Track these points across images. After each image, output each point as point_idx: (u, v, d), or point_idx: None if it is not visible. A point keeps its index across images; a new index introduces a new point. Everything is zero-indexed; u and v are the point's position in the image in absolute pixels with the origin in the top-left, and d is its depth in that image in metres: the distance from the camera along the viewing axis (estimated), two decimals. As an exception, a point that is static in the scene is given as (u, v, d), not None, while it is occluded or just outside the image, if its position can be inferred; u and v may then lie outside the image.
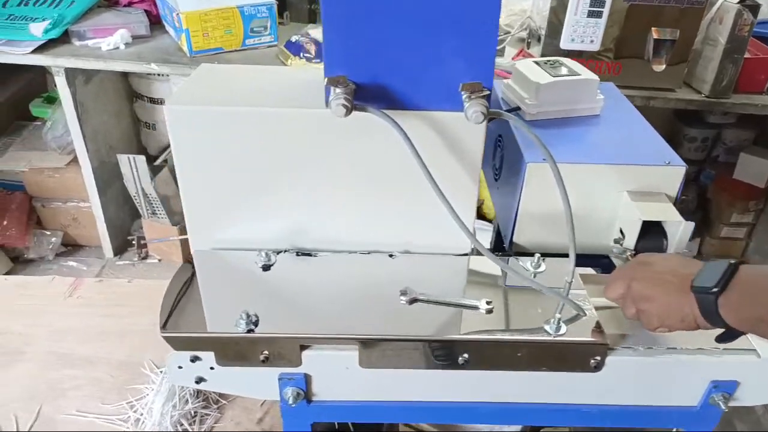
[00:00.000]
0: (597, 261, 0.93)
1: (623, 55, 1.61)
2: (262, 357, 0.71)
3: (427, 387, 0.77)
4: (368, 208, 0.82)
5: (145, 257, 2.09)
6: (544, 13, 1.59)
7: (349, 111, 0.66)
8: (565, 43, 1.57)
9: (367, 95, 0.71)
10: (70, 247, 2.17)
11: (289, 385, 0.74)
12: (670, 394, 0.78)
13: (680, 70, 1.62)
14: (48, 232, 2.11)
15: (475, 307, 0.76)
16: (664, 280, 0.64)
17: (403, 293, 0.76)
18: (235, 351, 0.71)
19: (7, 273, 2.02)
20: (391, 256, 0.84)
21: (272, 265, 0.81)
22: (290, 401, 0.74)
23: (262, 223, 0.83)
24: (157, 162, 2.06)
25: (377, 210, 0.82)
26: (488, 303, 0.76)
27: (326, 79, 0.68)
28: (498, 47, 1.53)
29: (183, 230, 0.80)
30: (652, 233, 0.82)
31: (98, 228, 2.06)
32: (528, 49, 1.77)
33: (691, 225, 0.80)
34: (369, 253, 0.85)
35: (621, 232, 0.86)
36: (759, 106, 1.66)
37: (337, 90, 0.67)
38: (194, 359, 0.71)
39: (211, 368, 0.72)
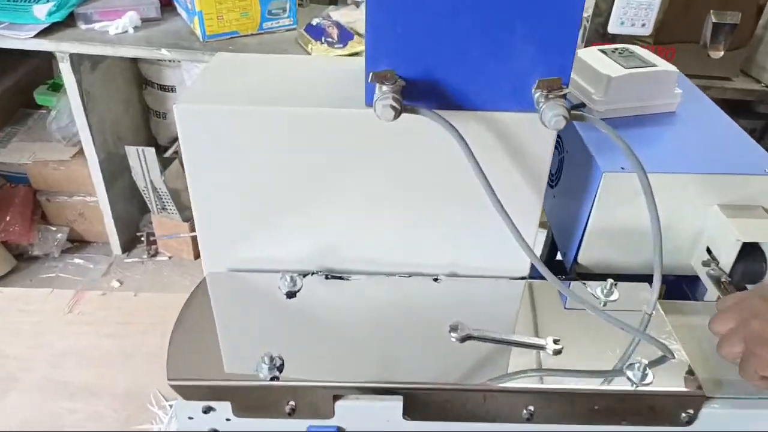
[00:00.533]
0: (675, 284, 0.81)
1: (675, 40, 1.46)
2: (288, 408, 0.59)
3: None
4: (410, 223, 0.69)
5: (155, 254, 1.99)
6: (590, -8, 1.44)
7: (398, 113, 0.54)
8: (613, 27, 1.42)
9: (417, 93, 0.58)
10: (77, 243, 2.07)
11: (320, 439, 0.62)
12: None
13: (738, 57, 1.47)
14: (53, 228, 2.01)
15: (541, 347, 0.63)
16: None
17: (454, 329, 0.64)
18: (256, 401, 0.59)
19: (11, 271, 1.93)
20: (435, 279, 0.72)
21: (298, 291, 0.69)
22: (320, 458, 0.63)
23: (285, 240, 0.71)
24: (167, 154, 1.94)
25: (420, 226, 0.69)
26: (556, 342, 0.63)
27: (370, 74, 0.55)
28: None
29: (194, 226, 0.68)
30: (749, 255, 0.69)
31: (105, 224, 1.95)
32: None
33: (799, 247, 0.67)
34: (410, 276, 0.72)
35: (708, 251, 0.73)
36: (826, 98, 1.50)
37: (384, 87, 0.55)
38: (207, 410, 0.60)
39: (228, 420, 0.61)
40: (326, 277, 0.72)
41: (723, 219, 0.70)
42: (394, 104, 0.53)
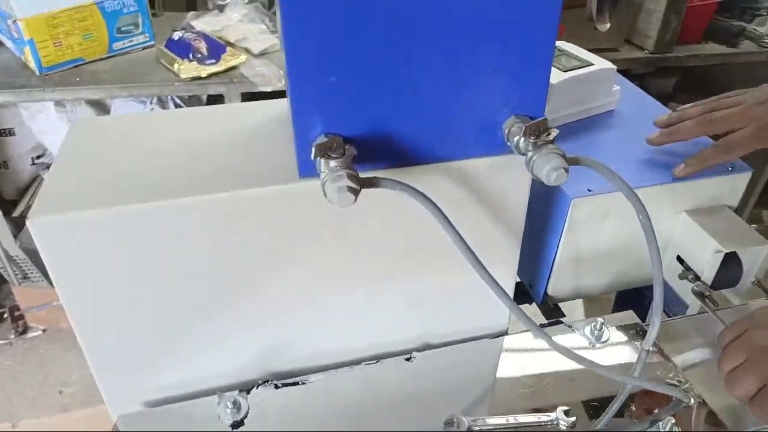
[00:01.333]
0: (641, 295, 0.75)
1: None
2: None
3: None
4: (370, 299, 0.56)
5: (25, 331, 1.67)
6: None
7: (358, 194, 0.40)
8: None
9: (367, 154, 0.45)
10: None
11: None
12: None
13: (623, 27, 1.47)
14: None
15: (555, 425, 0.54)
16: None
17: (449, 424, 0.53)
18: None
19: None
20: (408, 359, 0.60)
21: (245, 417, 0.54)
22: None
23: (214, 352, 0.55)
24: (17, 213, 1.63)
25: (382, 300, 0.57)
26: (567, 413, 0.54)
27: (312, 148, 0.41)
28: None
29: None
30: (726, 263, 0.64)
31: (-46, 306, 1.61)
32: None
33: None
34: (377, 362, 0.59)
35: (680, 260, 0.67)
36: (702, 56, 1.55)
37: (332, 163, 0.41)
38: None
39: None
40: (276, 387, 0.57)
41: (696, 228, 0.64)
42: (352, 185, 0.40)
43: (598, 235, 0.65)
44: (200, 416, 0.54)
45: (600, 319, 0.63)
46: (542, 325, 0.65)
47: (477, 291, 0.56)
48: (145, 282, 0.48)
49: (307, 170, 0.46)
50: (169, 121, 0.57)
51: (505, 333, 0.63)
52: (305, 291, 0.53)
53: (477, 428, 0.52)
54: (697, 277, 0.65)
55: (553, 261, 0.66)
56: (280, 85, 1.34)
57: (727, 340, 0.55)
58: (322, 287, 0.53)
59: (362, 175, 0.41)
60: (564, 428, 0.53)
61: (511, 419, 0.54)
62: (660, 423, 0.52)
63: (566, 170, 0.42)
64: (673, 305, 0.74)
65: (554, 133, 0.43)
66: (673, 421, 0.52)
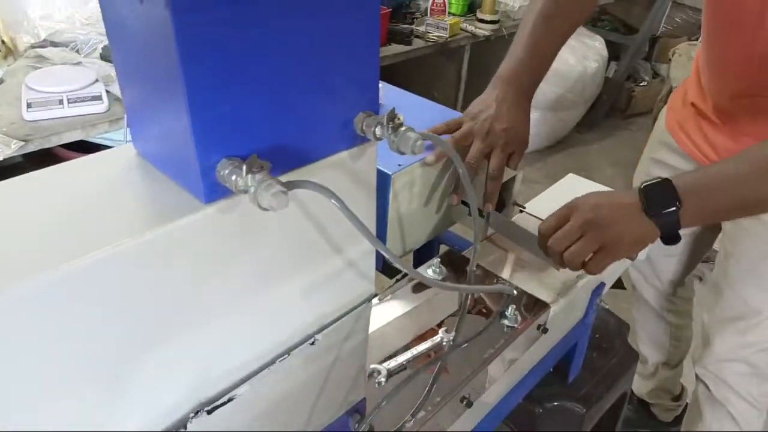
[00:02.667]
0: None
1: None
2: None
3: None
4: (275, 299, 0.62)
5: None
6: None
7: (287, 195, 0.47)
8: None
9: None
10: None
11: None
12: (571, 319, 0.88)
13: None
14: None
15: (442, 341, 0.68)
16: (622, 214, 0.69)
17: (373, 373, 0.63)
18: None
19: None
20: (312, 343, 0.67)
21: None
22: None
23: (135, 398, 0.54)
24: None
25: (284, 295, 0.63)
26: (446, 332, 0.69)
27: (244, 167, 0.46)
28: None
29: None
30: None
31: None
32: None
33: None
34: (289, 354, 0.65)
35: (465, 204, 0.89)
36: (391, 56, 1.88)
37: (258, 176, 0.47)
38: None
39: None
40: (209, 413, 0.59)
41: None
42: (282, 188, 0.47)
43: (410, 200, 0.82)
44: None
45: (436, 260, 0.79)
46: (396, 281, 0.79)
47: (343, 270, 0.67)
48: (51, 350, 0.46)
49: (213, 195, 0.50)
50: (16, 189, 0.53)
51: (375, 295, 0.75)
52: (222, 307, 0.57)
53: (394, 369, 0.64)
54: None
55: (385, 229, 0.80)
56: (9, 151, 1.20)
57: (551, 228, 0.73)
58: (236, 300, 0.58)
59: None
60: (448, 342, 0.68)
61: (413, 352, 0.67)
62: (506, 312, 0.71)
63: (424, 137, 0.56)
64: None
65: (402, 118, 0.57)
66: (514, 306, 0.72)
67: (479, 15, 2.23)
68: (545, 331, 0.76)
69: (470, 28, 2.21)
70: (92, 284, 0.46)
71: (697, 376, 1.17)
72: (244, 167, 0.46)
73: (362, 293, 0.73)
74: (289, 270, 0.62)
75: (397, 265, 0.60)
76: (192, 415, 0.58)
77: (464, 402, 0.65)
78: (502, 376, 0.72)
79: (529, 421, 0.94)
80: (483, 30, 2.20)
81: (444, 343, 0.68)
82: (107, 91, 1.42)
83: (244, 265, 0.56)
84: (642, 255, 0.88)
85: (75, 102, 1.36)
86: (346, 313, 0.72)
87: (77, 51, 1.62)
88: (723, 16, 0.92)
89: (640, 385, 1.47)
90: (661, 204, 0.68)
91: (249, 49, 0.47)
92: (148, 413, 0.55)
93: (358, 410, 0.64)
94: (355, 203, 0.63)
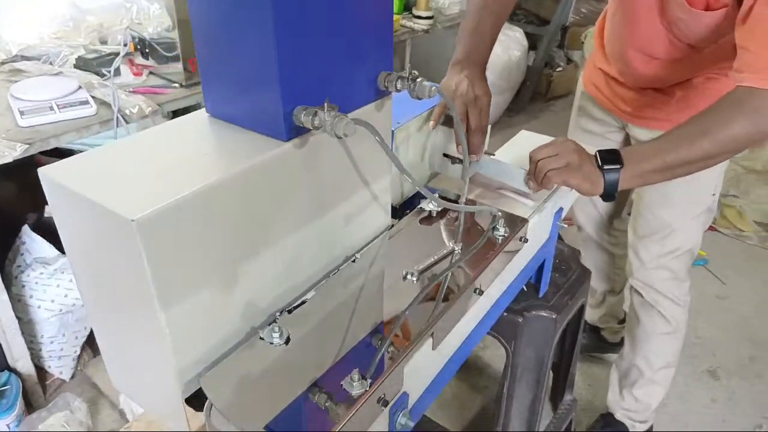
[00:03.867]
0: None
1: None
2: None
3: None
4: (321, 228, 0.79)
5: None
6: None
7: (354, 125, 0.65)
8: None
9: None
10: None
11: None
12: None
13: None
14: None
15: (451, 252, 0.87)
16: (588, 157, 0.93)
17: (407, 275, 0.81)
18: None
19: None
20: (354, 261, 0.85)
21: (289, 335, 0.71)
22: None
23: (241, 304, 0.70)
24: None
25: (329, 224, 0.80)
26: (457, 245, 0.88)
27: (323, 106, 0.64)
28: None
29: None
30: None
31: None
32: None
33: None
34: (338, 270, 0.83)
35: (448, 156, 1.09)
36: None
37: (333, 113, 0.64)
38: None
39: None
40: (289, 312, 0.75)
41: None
42: (351, 120, 0.65)
43: (407, 152, 1.01)
44: (256, 352, 0.69)
45: (436, 194, 0.98)
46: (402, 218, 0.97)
47: (375, 202, 0.86)
48: (202, 259, 0.62)
49: (290, 134, 0.68)
50: (143, 142, 0.68)
51: (391, 226, 0.93)
52: (294, 227, 0.73)
53: (422, 269, 0.82)
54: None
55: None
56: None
57: (541, 148, 0.95)
58: (303, 222, 0.75)
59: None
60: (457, 250, 0.87)
61: (433, 258, 0.85)
62: (496, 225, 0.91)
63: (437, 87, 0.75)
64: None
65: (418, 74, 0.76)
66: (502, 221, 0.92)
67: (415, 12, 2.46)
68: (526, 241, 0.97)
69: (409, 24, 2.43)
70: (219, 200, 0.62)
71: (632, 288, 1.43)
72: (325, 106, 0.64)
73: (382, 224, 0.92)
74: (335, 199, 0.79)
75: (422, 191, 0.79)
76: (278, 314, 0.74)
77: (476, 291, 0.85)
78: (502, 272, 0.92)
79: (513, 329, 1.15)
80: (420, 25, 2.42)
81: (455, 251, 0.87)
82: (92, 96, 1.53)
83: (307, 192, 0.74)
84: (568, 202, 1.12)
85: (65, 107, 1.46)
86: (373, 239, 0.90)
87: (50, 63, 1.70)
88: (624, 5, 1.18)
89: (591, 313, 1.73)
90: (608, 161, 0.91)
91: (315, 26, 0.65)
92: (248, 312, 0.71)
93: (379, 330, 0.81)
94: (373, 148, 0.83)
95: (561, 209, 1.11)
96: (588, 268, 1.31)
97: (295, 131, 0.68)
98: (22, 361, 1.52)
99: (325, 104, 0.65)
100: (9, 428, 1.45)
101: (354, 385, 0.65)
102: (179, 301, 0.61)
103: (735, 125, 0.87)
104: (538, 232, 1.04)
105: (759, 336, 1.97)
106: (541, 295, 1.19)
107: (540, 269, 1.15)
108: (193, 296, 0.62)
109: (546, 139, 1.23)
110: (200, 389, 0.67)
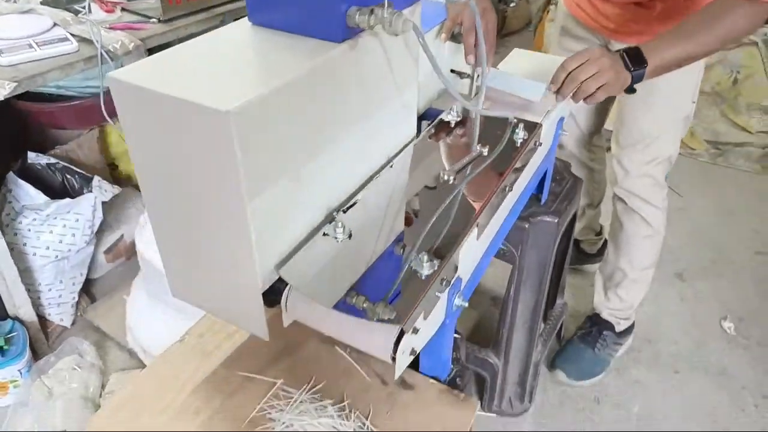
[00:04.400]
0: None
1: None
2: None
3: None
4: (366, 131, 0.83)
5: None
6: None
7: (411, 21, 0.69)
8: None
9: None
10: None
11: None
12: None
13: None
14: None
15: (478, 151, 0.93)
16: (617, 61, 1.01)
17: (444, 176, 0.87)
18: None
19: None
20: (391, 166, 0.89)
21: (351, 233, 0.76)
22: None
23: (307, 201, 0.74)
24: None
25: (371, 130, 0.84)
26: (484, 147, 0.94)
27: (381, 3, 0.67)
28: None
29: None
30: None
31: None
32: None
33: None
34: (379, 174, 0.87)
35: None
36: None
37: (390, 10, 0.67)
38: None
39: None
40: (344, 212, 0.79)
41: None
42: (407, 17, 0.68)
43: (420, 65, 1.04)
44: (322, 247, 0.74)
45: (453, 107, 1.03)
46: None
47: (405, 110, 0.90)
48: (282, 153, 0.65)
49: (344, 35, 0.70)
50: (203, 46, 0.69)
51: (416, 137, 0.98)
52: (348, 126, 0.77)
53: (457, 169, 0.88)
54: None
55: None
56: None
57: (575, 64, 1.02)
58: (353, 122, 0.78)
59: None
60: (484, 153, 0.93)
61: (463, 162, 0.91)
62: (516, 129, 0.97)
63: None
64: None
65: None
66: (522, 125, 0.98)
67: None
68: (540, 144, 1.03)
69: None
70: (296, 96, 0.65)
71: (615, 197, 1.53)
72: (385, 3, 0.67)
73: (411, 132, 0.96)
74: (376, 102, 0.83)
75: (455, 95, 0.83)
76: (335, 213, 0.78)
77: (506, 188, 0.91)
78: (523, 172, 0.98)
79: (520, 235, 1.23)
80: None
81: (483, 154, 0.93)
82: (70, 34, 1.47)
83: (356, 94, 0.77)
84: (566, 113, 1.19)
85: (44, 45, 1.40)
86: (403, 147, 0.94)
87: (14, 1, 1.61)
88: None
89: (571, 227, 1.85)
90: (636, 62, 1.01)
91: None
92: (313, 209, 0.75)
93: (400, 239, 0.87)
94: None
95: (563, 118, 1.18)
96: (579, 177, 1.41)
97: (348, 33, 0.71)
98: (24, 309, 1.50)
99: (385, 1, 0.67)
100: (21, 374, 1.45)
101: (424, 266, 0.71)
102: (261, 195, 0.64)
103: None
104: (546, 137, 1.10)
105: (717, 242, 2.15)
106: (542, 203, 1.27)
107: (542, 180, 1.23)
108: (271, 190, 0.66)
109: (540, 56, 1.29)
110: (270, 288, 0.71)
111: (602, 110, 1.62)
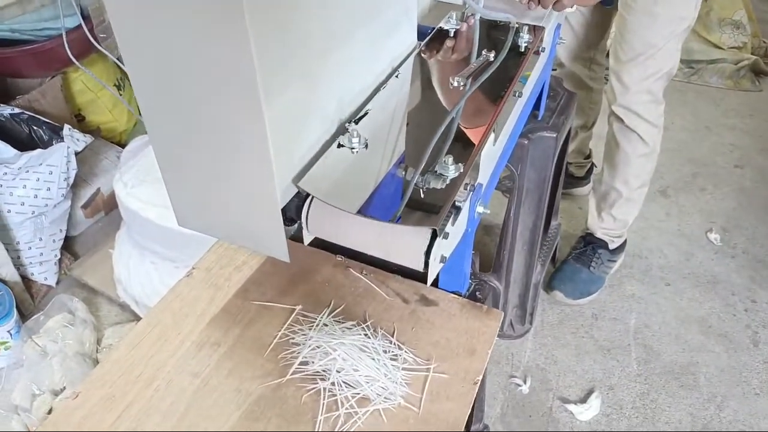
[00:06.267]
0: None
1: None
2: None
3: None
4: (372, 35, 0.78)
5: None
6: None
7: None
8: None
9: None
10: None
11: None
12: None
13: None
14: None
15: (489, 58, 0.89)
16: None
17: (455, 82, 0.83)
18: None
19: None
20: (396, 76, 0.85)
21: (367, 143, 0.71)
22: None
23: (319, 109, 0.69)
24: None
25: (376, 34, 0.79)
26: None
27: None
28: None
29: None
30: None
31: None
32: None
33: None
34: (386, 84, 0.82)
35: None
36: None
37: None
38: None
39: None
40: (356, 122, 0.75)
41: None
42: None
43: None
44: (338, 157, 0.70)
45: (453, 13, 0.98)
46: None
47: (406, 16, 0.84)
48: (299, 35, 0.60)
49: None
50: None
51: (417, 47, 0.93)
52: (355, 34, 0.72)
53: (469, 74, 0.84)
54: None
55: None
56: None
57: None
58: (353, 28, 0.73)
59: None
60: (490, 59, 0.89)
61: (471, 69, 0.87)
62: (521, 33, 0.93)
63: None
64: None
65: None
66: (526, 28, 0.94)
67: None
68: (543, 50, 1.00)
69: None
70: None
71: (611, 116, 1.52)
72: None
73: (412, 42, 0.91)
74: (381, 5, 0.77)
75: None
76: (348, 124, 0.74)
77: (516, 94, 0.88)
78: (530, 77, 0.95)
79: (520, 152, 1.20)
80: None
81: (490, 60, 0.89)
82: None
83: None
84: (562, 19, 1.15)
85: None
86: (406, 57, 0.89)
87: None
88: None
89: (560, 150, 1.83)
90: None
91: None
92: (325, 118, 0.70)
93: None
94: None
95: (559, 25, 1.14)
96: (573, 90, 1.38)
97: None
98: (6, 269, 1.43)
99: None
100: (11, 335, 1.39)
101: (449, 168, 0.67)
102: (277, 99, 0.59)
103: None
104: (547, 44, 1.07)
105: (696, 156, 2.18)
106: (539, 118, 1.24)
107: (539, 96, 1.20)
108: (286, 95, 0.61)
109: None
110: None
111: (602, 24, 1.57)
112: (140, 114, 1.98)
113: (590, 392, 1.41)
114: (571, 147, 1.83)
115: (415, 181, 0.69)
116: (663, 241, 1.83)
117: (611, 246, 1.66)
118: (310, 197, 0.68)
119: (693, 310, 1.61)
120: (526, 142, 1.20)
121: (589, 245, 1.67)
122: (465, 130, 0.79)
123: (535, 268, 1.46)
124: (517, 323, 1.55)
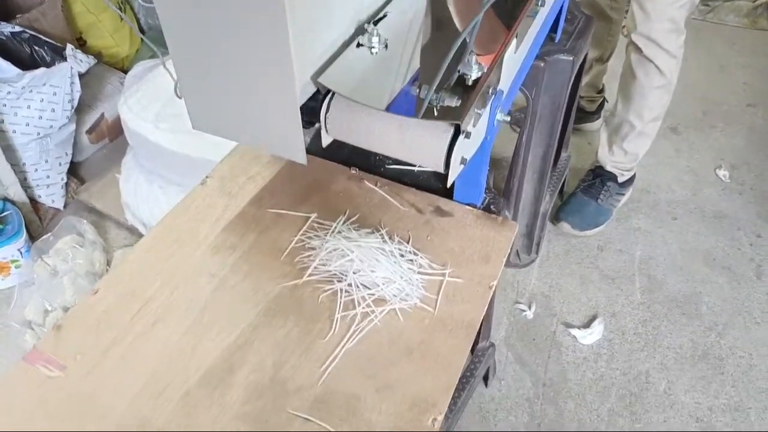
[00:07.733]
0: None
1: None
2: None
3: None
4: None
5: None
6: None
7: None
8: None
9: None
10: None
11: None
12: None
13: None
14: None
15: None
16: None
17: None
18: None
19: None
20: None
21: (387, 43, 0.69)
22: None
23: (337, 8, 0.67)
24: None
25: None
26: None
27: None
28: None
29: None
30: None
31: None
32: None
33: None
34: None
35: None
36: None
37: None
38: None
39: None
40: (375, 24, 0.73)
41: None
42: None
43: None
44: (358, 57, 0.68)
45: None
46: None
47: None
48: None
49: None
50: None
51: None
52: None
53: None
54: None
55: None
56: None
57: None
58: None
59: None
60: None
61: None
62: None
63: None
64: None
65: None
66: None
67: None
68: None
69: None
70: None
71: (631, 44, 1.47)
72: None
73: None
74: None
75: None
76: (367, 25, 0.72)
77: (539, 3, 0.85)
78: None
79: (536, 75, 1.18)
80: None
81: None
82: None
83: None
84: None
85: None
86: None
87: None
88: None
89: (572, 83, 1.80)
90: None
91: None
92: (343, 19, 0.68)
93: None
94: None
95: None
96: (590, 14, 1.34)
97: None
98: (13, 189, 1.43)
99: None
100: (21, 254, 1.40)
101: (473, 68, 0.66)
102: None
103: None
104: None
105: (708, 95, 2.15)
106: (557, 41, 1.21)
107: (556, 18, 1.16)
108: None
109: None
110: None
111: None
112: (142, 32, 1.93)
113: (593, 318, 1.43)
114: (585, 80, 1.80)
115: (429, 99, 0.67)
116: (672, 177, 1.82)
117: (620, 179, 1.65)
118: (329, 96, 0.67)
119: (698, 244, 1.62)
120: (542, 64, 1.17)
121: (598, 178, 1.66)
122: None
123: (543, 198, 1.46)
124: (524, 252, 1.56)
